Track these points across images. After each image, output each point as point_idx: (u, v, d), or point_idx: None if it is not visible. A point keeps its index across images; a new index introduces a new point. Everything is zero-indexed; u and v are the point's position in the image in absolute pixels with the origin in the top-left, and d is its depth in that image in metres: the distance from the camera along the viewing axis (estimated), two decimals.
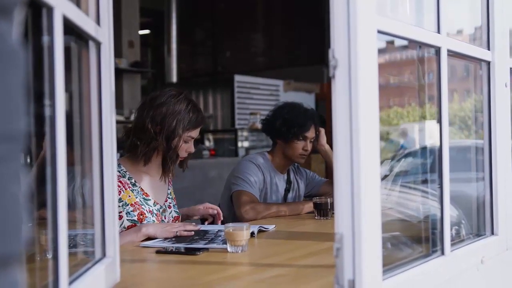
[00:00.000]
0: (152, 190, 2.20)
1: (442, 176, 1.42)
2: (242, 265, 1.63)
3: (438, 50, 1.43)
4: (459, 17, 1.90)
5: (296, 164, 2.93)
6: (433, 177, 1.49)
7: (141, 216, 2.10)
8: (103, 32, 1.27)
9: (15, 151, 0.54)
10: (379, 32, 1.15)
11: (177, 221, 2.27)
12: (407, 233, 1.64)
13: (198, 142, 6.82)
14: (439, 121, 1.42)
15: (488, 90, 1.71)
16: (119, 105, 6.86)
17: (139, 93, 7.46)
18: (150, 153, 2.14)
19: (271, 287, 1.39)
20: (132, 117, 4.09)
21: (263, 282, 1.42)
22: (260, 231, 2.12)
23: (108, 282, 1.25)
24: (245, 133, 7.50)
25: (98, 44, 1.25)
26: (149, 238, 1.97)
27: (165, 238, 1.96)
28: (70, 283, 0.99)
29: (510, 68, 1.78)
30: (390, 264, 1.23)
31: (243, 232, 1.73)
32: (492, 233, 1.71)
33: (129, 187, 2.13)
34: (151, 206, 2.16)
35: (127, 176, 2.14)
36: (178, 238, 1.96)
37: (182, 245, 1.84)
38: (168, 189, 2.30)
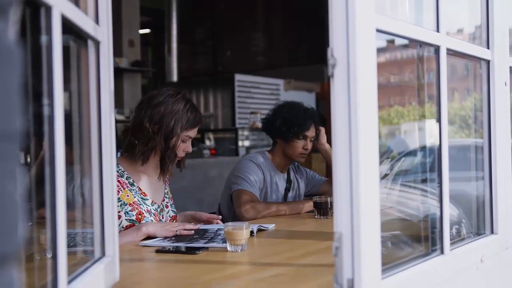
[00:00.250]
0: (150, 189, 2.20)
1: (441, 175, 1.42)
2: (241, 264, 1.63)
3: (437, 49, 1.42)
4: (459, 16, 1.90)
5: (296, 163, 2.93)
6: (433, 176, 1.49)
7: (140, 216, 2.10)
8: (102, 31, 1.27)
9: (12, 150, 0.54)
10: (378, 31, 1.15)
11: (174, 221, 2.27)
12: (406, 232, 1.64)
13: (199, 141, 6.83)
14: (439, 120, 1.42)
15: (487, 89, 1.71)
16: (120, 105, 6.86)
17: (140, 92, 7.44)
18: (148, 152, 2.13)
19: (270, 286, 1.39)
20: None
21: (263, 281, 1.42)
22: (259, 230, 2.12)
23: (107, 281, 1.25)
24: (245, 132, 7.49)
25: (97, 43, 1.25)
26: (148, 237, 1.97)
27: (165, 237, 1.96)
28: (69, 282, 0.99)
29: (510, 67, 1.78)
30: (389, 263, 1.23)
31: (242, 231, 1.73)
32: (492, 232, 1.71)
33: (127, 186, 2.12)
34: (149, 206, 2.16)
35: (125, 176, 2.14)
36: (177, 237, 1.96)
37: (181, 244, 1.84)
38: (165, 188, 2.30)
